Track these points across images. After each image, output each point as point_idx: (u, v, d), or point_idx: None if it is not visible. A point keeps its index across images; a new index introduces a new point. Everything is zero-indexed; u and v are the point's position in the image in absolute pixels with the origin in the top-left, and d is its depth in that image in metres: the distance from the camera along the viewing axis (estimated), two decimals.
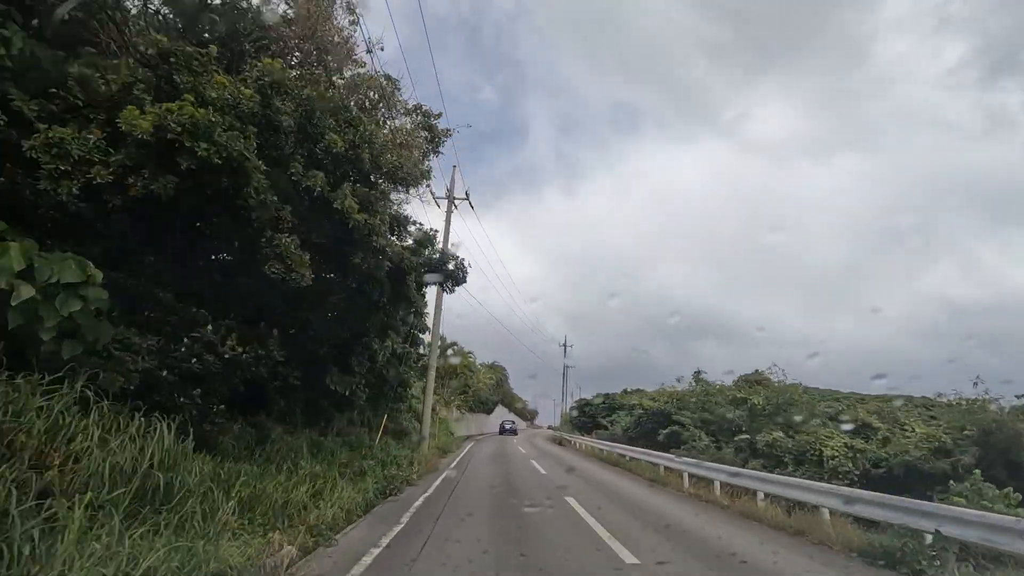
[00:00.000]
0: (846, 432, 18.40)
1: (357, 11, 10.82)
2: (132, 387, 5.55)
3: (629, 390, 42.94)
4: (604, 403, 41.16)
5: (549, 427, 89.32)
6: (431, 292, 16.94)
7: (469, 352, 43.10)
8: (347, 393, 11.48)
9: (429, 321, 18.36)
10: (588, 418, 41.99)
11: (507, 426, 50.62)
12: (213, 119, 5.95)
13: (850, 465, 15.63)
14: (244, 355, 7.15)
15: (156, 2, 8.30)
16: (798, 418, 19.34)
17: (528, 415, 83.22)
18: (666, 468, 14.96)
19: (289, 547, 5.07)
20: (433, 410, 24.80)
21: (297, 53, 10.03)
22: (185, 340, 6.54)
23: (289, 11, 9.66)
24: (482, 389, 45.87)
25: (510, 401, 66.05)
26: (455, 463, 18.00)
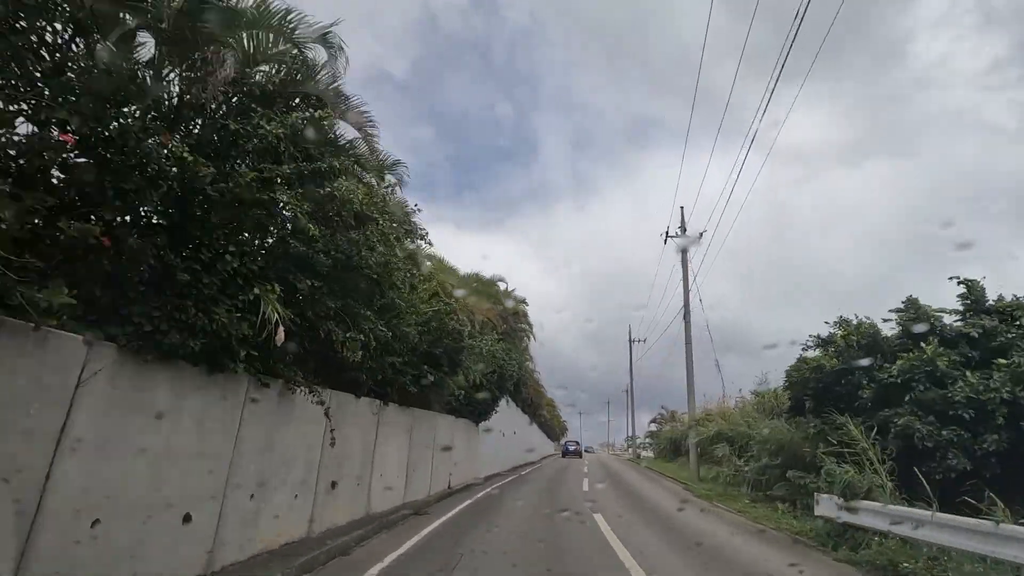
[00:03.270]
0: None
1: None
2: None
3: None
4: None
5: (626, 450, 58.59)
6: None
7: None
8: None
9: None
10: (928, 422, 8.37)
11: (571, 447, 43.84)
12: None
13: None
14: None
15: None
16: None
17: (558, 431, 53.83)
18: None
19: None
20: None
21: None
22: None
23: None
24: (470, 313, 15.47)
25: (535, 399, 31.44)
26: None
